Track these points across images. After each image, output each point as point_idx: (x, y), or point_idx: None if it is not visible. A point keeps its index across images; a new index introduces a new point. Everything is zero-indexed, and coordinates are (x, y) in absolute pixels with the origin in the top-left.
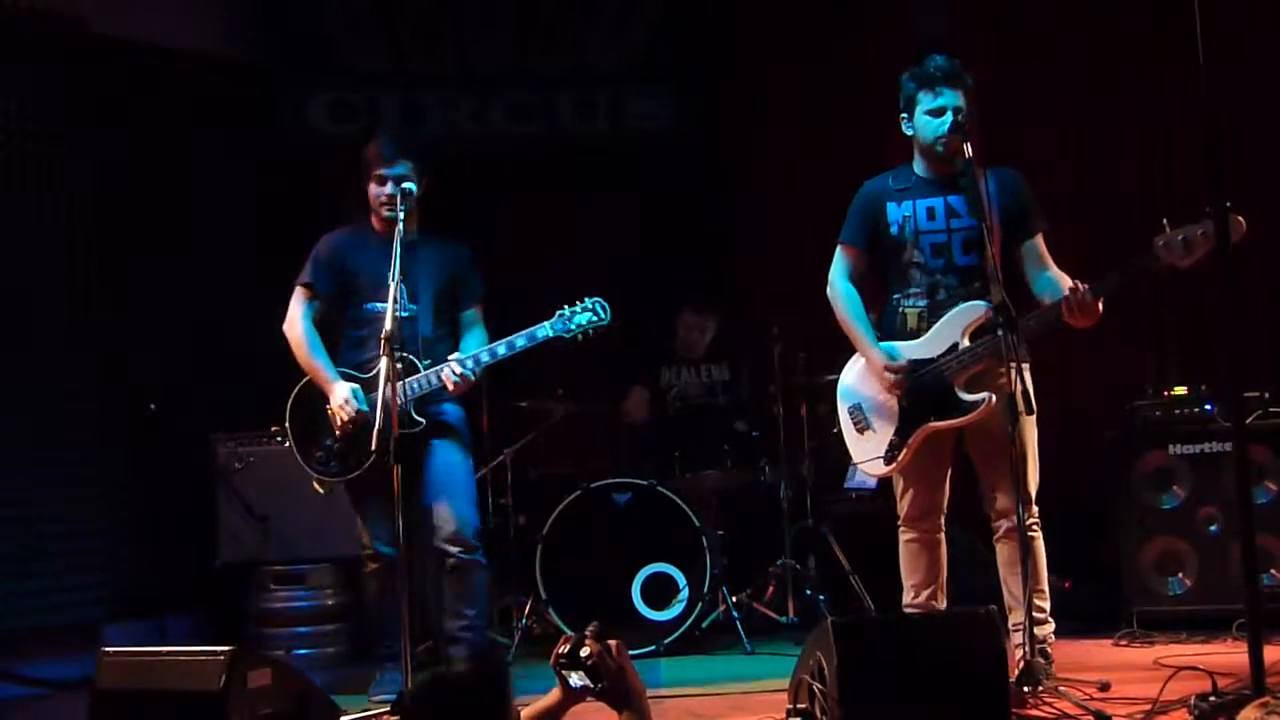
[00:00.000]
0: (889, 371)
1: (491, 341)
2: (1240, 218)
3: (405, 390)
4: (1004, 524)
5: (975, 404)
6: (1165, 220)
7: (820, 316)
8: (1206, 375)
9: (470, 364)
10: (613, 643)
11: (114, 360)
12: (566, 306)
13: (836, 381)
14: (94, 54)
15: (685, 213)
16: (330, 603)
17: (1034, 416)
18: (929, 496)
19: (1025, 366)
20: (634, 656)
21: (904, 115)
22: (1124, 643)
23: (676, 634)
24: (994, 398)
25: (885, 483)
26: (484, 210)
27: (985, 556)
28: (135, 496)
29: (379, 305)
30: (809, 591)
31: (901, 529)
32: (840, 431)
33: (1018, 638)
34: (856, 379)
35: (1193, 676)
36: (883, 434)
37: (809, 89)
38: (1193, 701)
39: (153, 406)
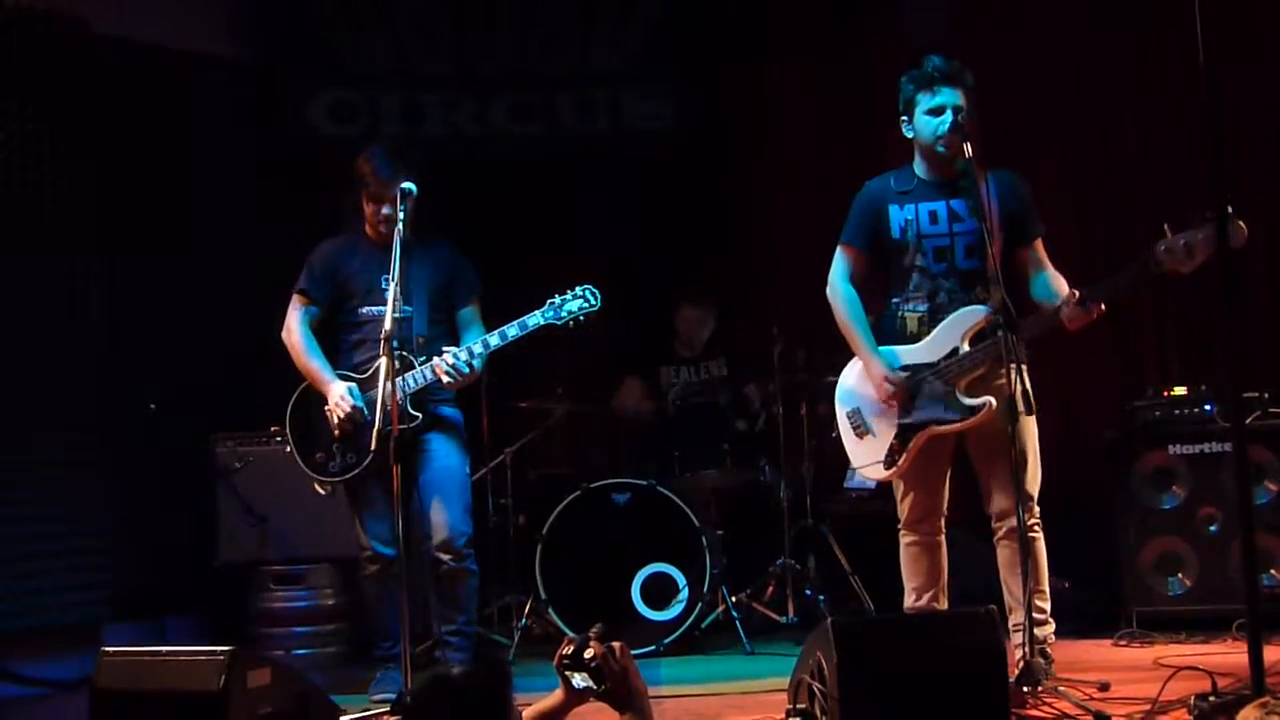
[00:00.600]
0: (888, 383)
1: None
2: (1242, 223)
3: (401, 386)
4: (1004, 525)
5: (976, 408)
6: (1166, 225)
7: (820, 316)
8: (1206, 375)
9: (464, 355)
10: (616, 645)
11: (114, 360)
12: (557, 295)
13: (836, 383)
14: (94, 54)
15: (685, 212)
16: (330, 603)
17: (1034, 417)
18: (929, 499)
19: (1024, 366)
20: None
21: (904, 118)
22: (1124, 643)
23: (676, 634)
24: (994, 402)
25: (885, 483)
26: (484, 210)
27: (986, 557)
28: (135, 496)
29: (372, 309)
30: (809, 591)
31: (902, 532)
32: (839, 435)
33: (1017, 638)
34: (856, 382)
35: (1192, 676)
36: (883, 438)
37: (809, 89)
38: (1192, 701)
39: (153, 406)
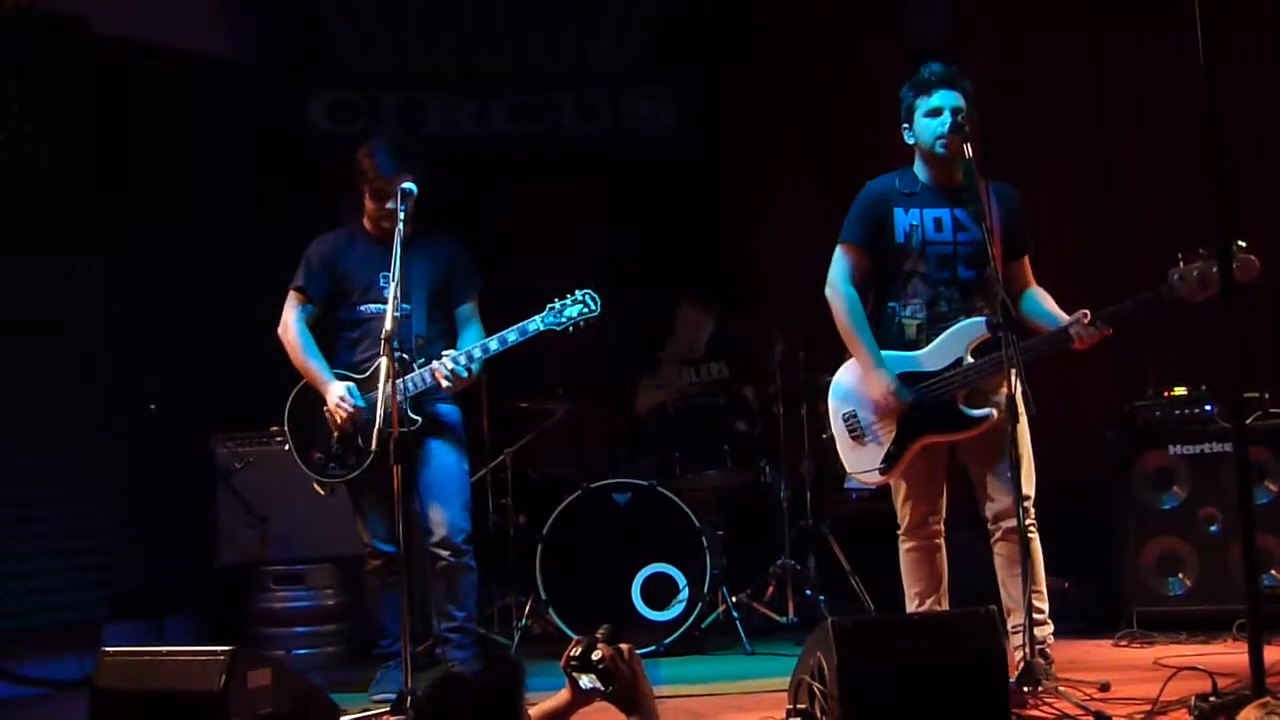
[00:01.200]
0: (892, 398)
1: (487, 336)
2: (1254, 258)
3: (400, 389)
4: (1001, 527)
5: (979, 419)
6: (1180, 254)
7: (820, 316)
8: (1206, 375)
9: (463, 360)
10: (625, 646)
11: (114, 360)
12: (557, 299)
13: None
14: (94, 54)
15: (685, 213)
16: (329, 603)
17: (1027, 419)
18: (928, 504)
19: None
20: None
21: (905, 125)
22: (1124, 643)
23: (676, 634)
24: (996, 414)
25: (885, 484)
26: (484, 211)
27: (986, 557)
28: (135, 496)
29: (371, 307)
30: (809, 591)
31: (902, 538)
32: (830, 436)
33: (1016, 639)
34: (854, 383)
35: (1193, 677)
36: (880, 442)
37: (809, 89)
38: (1193, 702)
39: (153, 406)
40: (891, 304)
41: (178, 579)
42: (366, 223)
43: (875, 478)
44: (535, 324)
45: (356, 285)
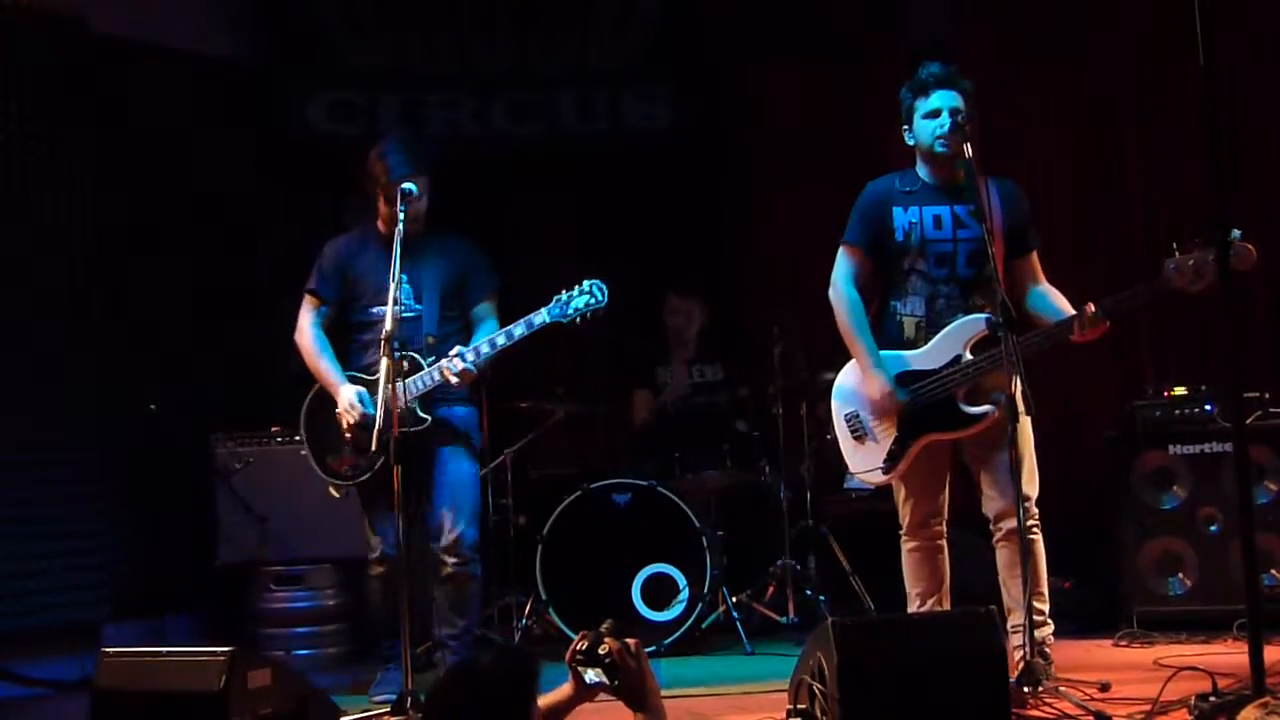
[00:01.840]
0: (888, 400)
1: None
2: (1250, 247)
3: (408, 389)
4: (1003, 527)
5: (979, 416)
6: (1175, 244)
7: (820, 316)
8: (1206, 375)
9: (470, 356)
10: (631, 641)
11: (114, 360)
12: (564, 291)
13: (833, 380)
14: (94, 54)
15: (685, 212)
16: (330, 603)
17: (1029, 419)
18: (930, 504)
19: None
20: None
21: (905, 127)
22: (1124, 643)
23: (677, 634)
24: (996, 411)
25: (886, 484)
26: (484, 210)
27: (986, 556)
28: (135, 496)
29: (382, 309)
30: (809, 592)
31: (904, 538)
32: (834, 437)
33: (1016, 640)
34: (855, 384)
35: (1193, 677)
36: (881, 442)
37: (809, 89)
38: (1193, 702)
39: (153, 406)
40: (892, 302)
41: (178, 579)
42: (380, 224)
43: (878, 477)
44: (541, 316)
45: (368, 287)
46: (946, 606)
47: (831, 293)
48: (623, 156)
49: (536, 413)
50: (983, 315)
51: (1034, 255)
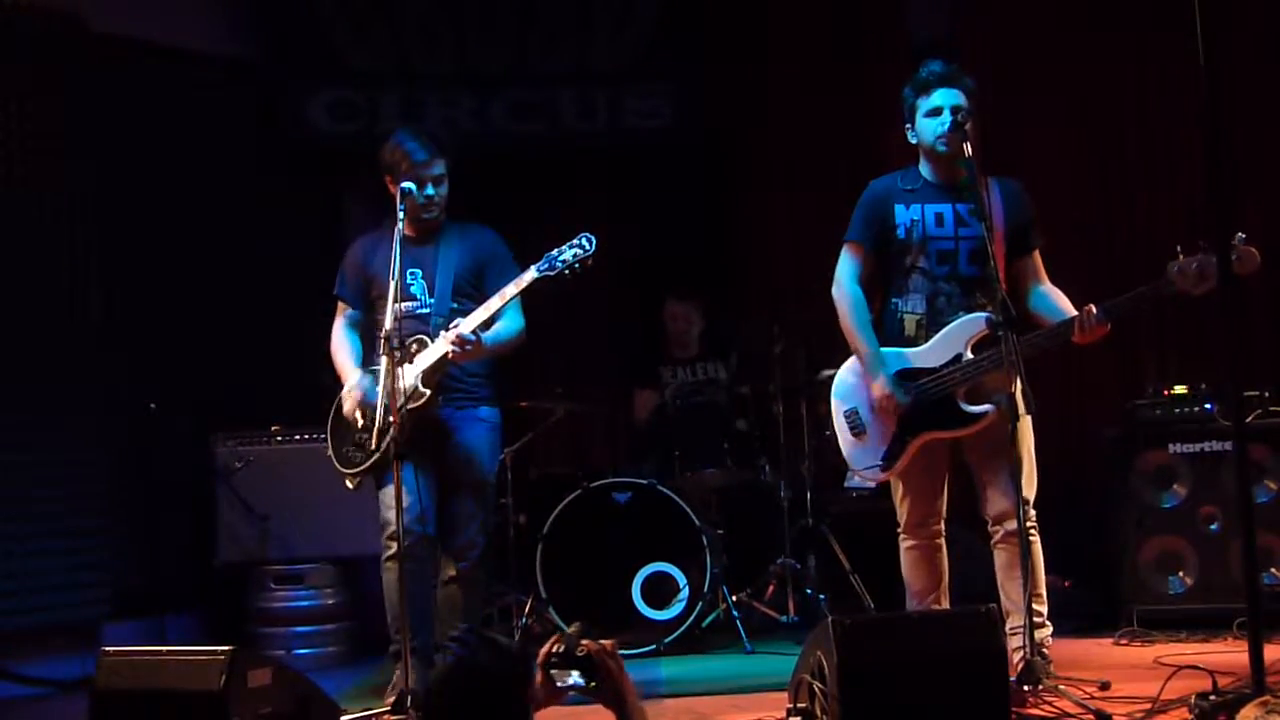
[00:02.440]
0: (888, 400)
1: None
2: (1254, 250)
3: (417, 365)
4: (1002, 529)
5: (978, 415)
6: (1179, 247)
7: (820, 315)
8: (1207, 374)
9: (466, 326)
10: (608, 642)
11: (114, 360)
12: (554, 248)
13: (833, 378)
14: (94, 54)
15: (685, 212)
16: (330, 602)
17: (1030, 421)
18: (928, 503)
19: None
20: (634, 656)
21: (907, 126)
22: (1124, 641)
23: (677, 633)
24: (995, 410)
25: (885, 482)
26: (483, 210)
27: (986, 557)
28: (135, 496)
29: (400, 305)
30: (809, 590)
31: (902, 537)
32: (833, 434)
33: (1015, 641)
34: (855, 381)
35: (1193, 675)
36: (880, 439)
37: (809, 88)
38: (1193, 700)
39: (153, 406)
40: (894, 299)
41: (178, 578)
42: (397, 223)
43: (877, 475)
44: (531, 273)
45: (383, 287)
46: (945, 605)
47: (835, 290)
48: (623, 156)
49: (536, 412)
50: (984, 314)
51: (1036, 255)
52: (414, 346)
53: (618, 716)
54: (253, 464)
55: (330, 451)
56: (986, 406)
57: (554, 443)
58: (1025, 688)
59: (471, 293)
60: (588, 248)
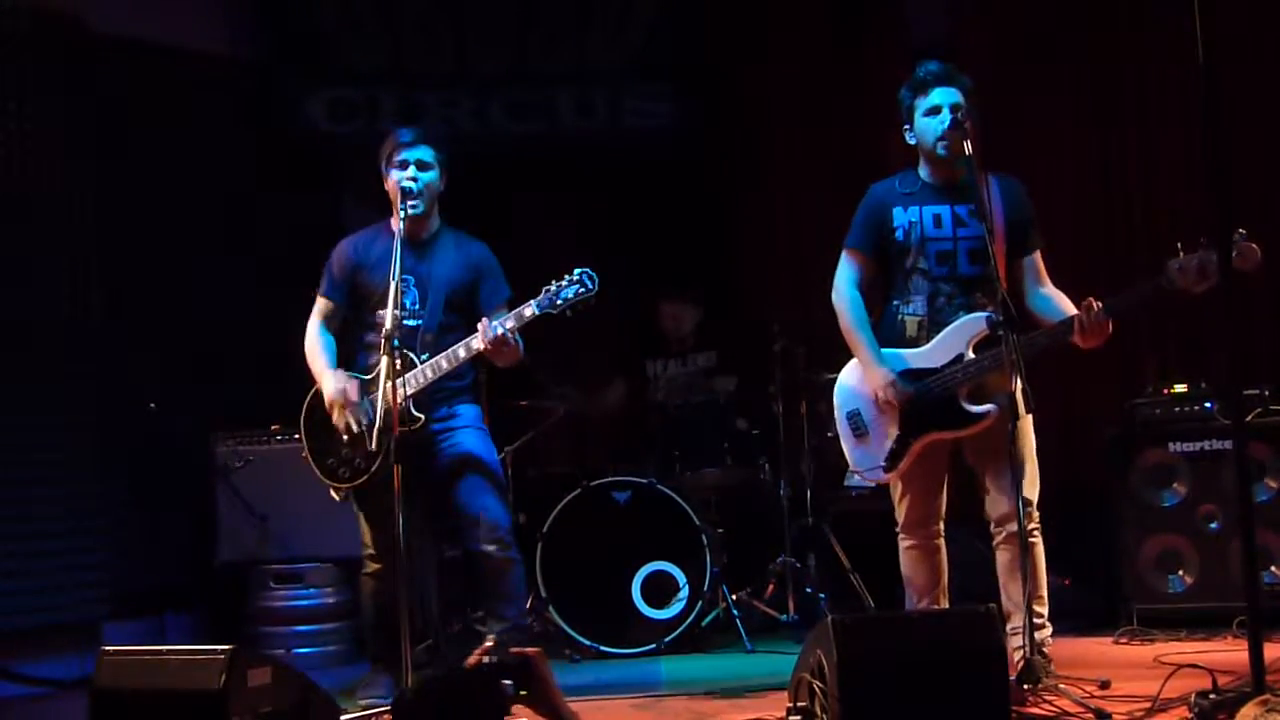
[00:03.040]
0: (890, 395)
1: None
2: (1255, 246)
3: (405, 384)
4: (1003, 530)
5: (980, 415)
6: (1180, 244)
7: (820, 315)
8: (1207, 373)
9: (504, 326)
10: (533, 650)
11: (114, 360)
12: (553, 282)
13: (834, 380)
14: (94, 54)
15: (685, 212)
16: (330, 601)
17: (1031, 422)
18: (928, 503)
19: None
20: (634, 655)
21: (905, 126)
22: (1124, 640)
23: (677, 632)
24: (998, 409)
25: (885, 483)
26: (483, 209)
27: (986, 556)
28: (135, 496)
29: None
30: (809, 589)
31: (901, 536)
32: (836, 435)
33: (1015, 642)
34: (857, 382)
35: (1193, 674)
36: (883, 440)
37: (809, 89)
38: (1193, 699)
39: (153, 406)
40: (895, 302)
41: (178, 578)
42: (393, 220)
43: (880, 476)
44: (531, 308)
45: (376, 288)
46: (945, 604)
47: (834, 296)
48: (622, 156)
49: (536, 411)
50: (985, 314)
51: (1037, 255)
52: (399, 363)
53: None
54: (253, 464)
55: (309, 457)
56: (989, 406)
57: (554, 443)
58: (1025, 686)
59: (463, 308)
60: (590, 287)
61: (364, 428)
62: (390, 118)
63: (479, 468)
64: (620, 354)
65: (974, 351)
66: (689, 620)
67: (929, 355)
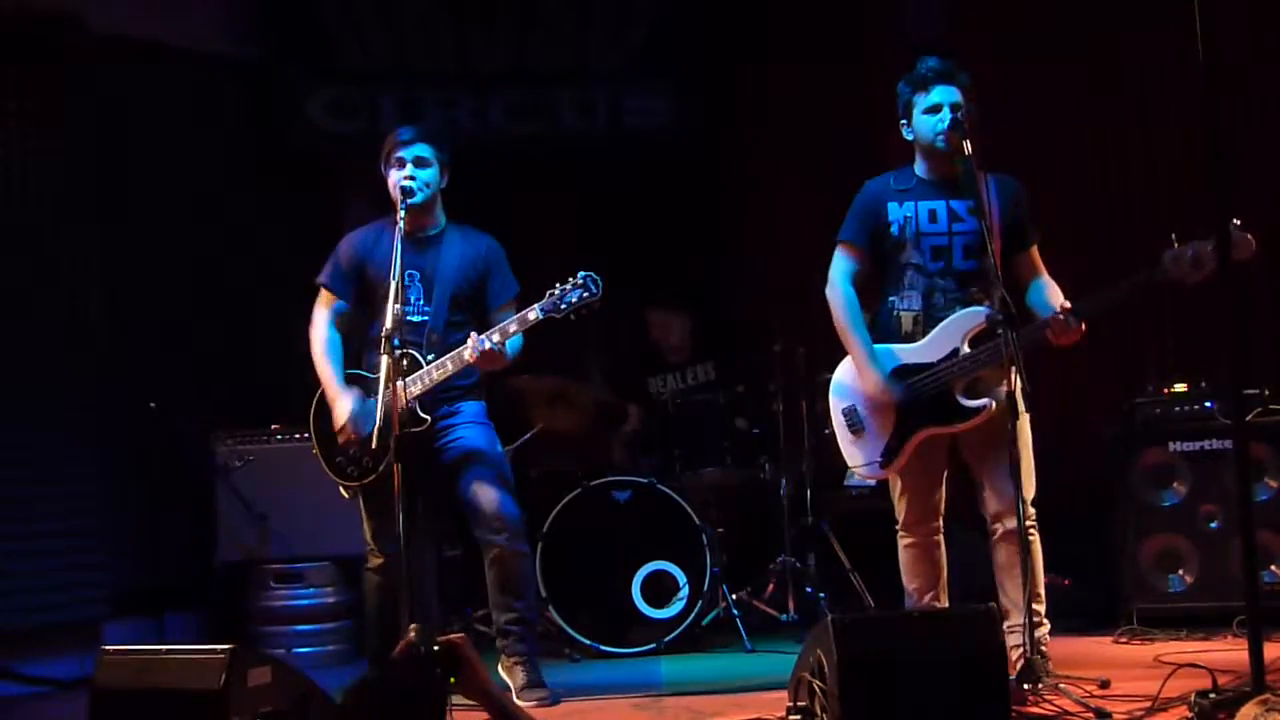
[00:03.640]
0: (883, 395)
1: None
2: (1250, 236)
3: (408, 387)
4: (1001, 527)
5: (976, 410)
6: (1174, 235)
7: (820, 315)
8: (1207, 372)
9: (496, 338)
10: (457, 637)
11: (114, 360)
12: (557, 285)
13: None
14: (94, 54)
15: (685, 212)
16: (330, 601)
17: (1029, 420)
18: (926, 500)
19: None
20: (634, 654)
21: (903, 121)
22: (1124, 640)
23: (677, 632)
24: (994, 405)
25: (885, 480)
26: (482, 209)
27: (986, 555)
28: (135, 496)
29: (395, 308)
30: (809, 589)
31: (900, 534)
32: (832, 433)
33: (1013, 639)
34: (852, 379)
35: (1193, 673)
36: (879, 436)
37: (808, 88)
38: (1193, 699)
39: (153, 404)
40: (890, 298)
41: (178, 577)
42: (398, 219)
43: (876, 472)
44: (535, 313)
45: (381, 283)
46: (944, 602)
47: (828, 290)
48: (622, 156)
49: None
50: (982, 308)
51: (1034, 250)
52: (405, 361)
53: (483, 706)
54: (253, 462)
55: (319, 454)
56: (985, 400)
57: (554, 441)
58: (1025, 686)
59: (470, 304)
60: (595, 291)
61: (365, 448)
62: (390, 118)
63: (484, 461)
64: (629, 384)
65: (969, 346)
66: (689, 620)
67: (924, 350)
